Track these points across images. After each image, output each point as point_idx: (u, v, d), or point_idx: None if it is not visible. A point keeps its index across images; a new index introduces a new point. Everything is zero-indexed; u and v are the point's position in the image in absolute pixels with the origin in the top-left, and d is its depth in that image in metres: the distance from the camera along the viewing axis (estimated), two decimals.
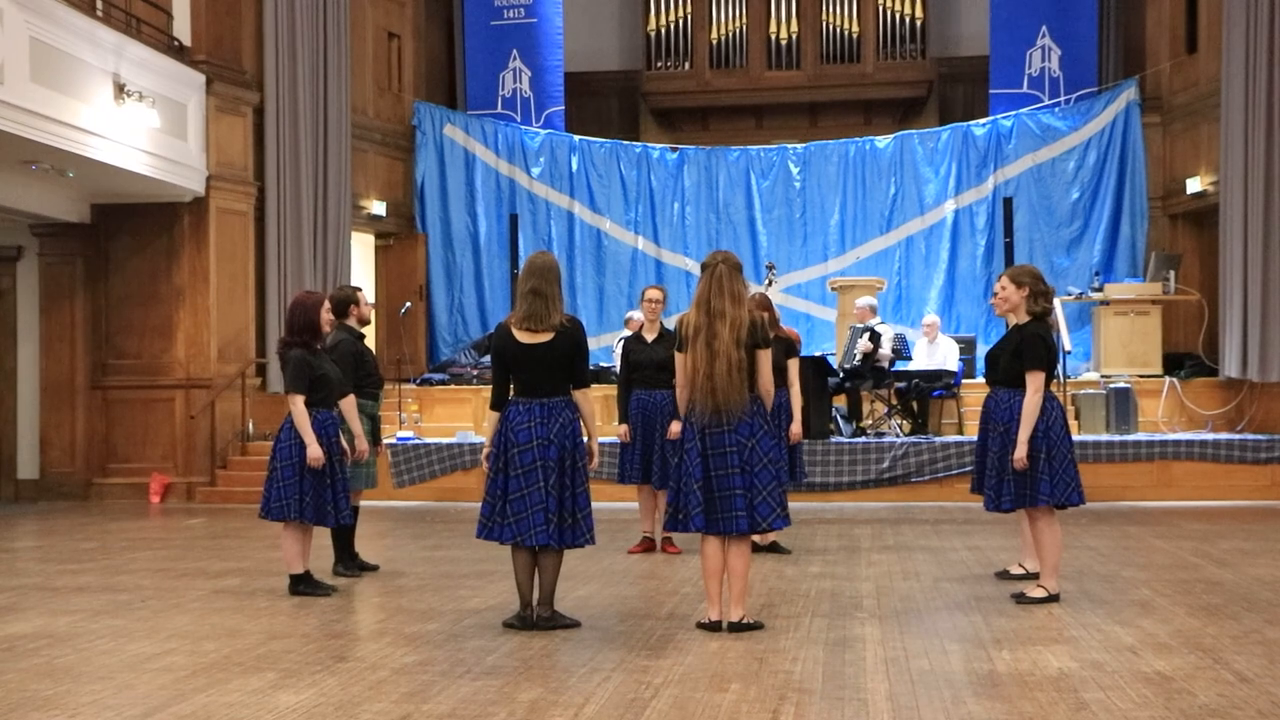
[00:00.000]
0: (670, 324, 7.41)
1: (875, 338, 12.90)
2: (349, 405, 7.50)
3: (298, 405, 7.02)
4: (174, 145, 13.37)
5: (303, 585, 7.21)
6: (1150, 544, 9.17)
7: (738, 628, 5.92)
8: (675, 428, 6.10)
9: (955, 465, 12.36)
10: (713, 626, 5.93)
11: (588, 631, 6.03)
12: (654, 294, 8.78)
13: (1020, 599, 6.64)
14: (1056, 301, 14.64)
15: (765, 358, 5.89)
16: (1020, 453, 6.50)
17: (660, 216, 17.75)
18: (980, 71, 18.00)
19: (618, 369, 9.29)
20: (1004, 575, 7.53)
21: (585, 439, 6.09)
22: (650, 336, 8.69)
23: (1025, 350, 6.63)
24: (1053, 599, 6.61)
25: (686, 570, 7.90)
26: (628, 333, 10.84)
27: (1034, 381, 6.56)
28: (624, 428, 8.57)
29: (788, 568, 8.03)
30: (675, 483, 5.98)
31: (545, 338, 5.96)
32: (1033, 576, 7.16)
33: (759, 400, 5.89)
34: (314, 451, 6.96)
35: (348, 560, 8.05)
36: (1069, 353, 14.22)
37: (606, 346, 16.54)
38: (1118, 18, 17.71)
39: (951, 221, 16.97)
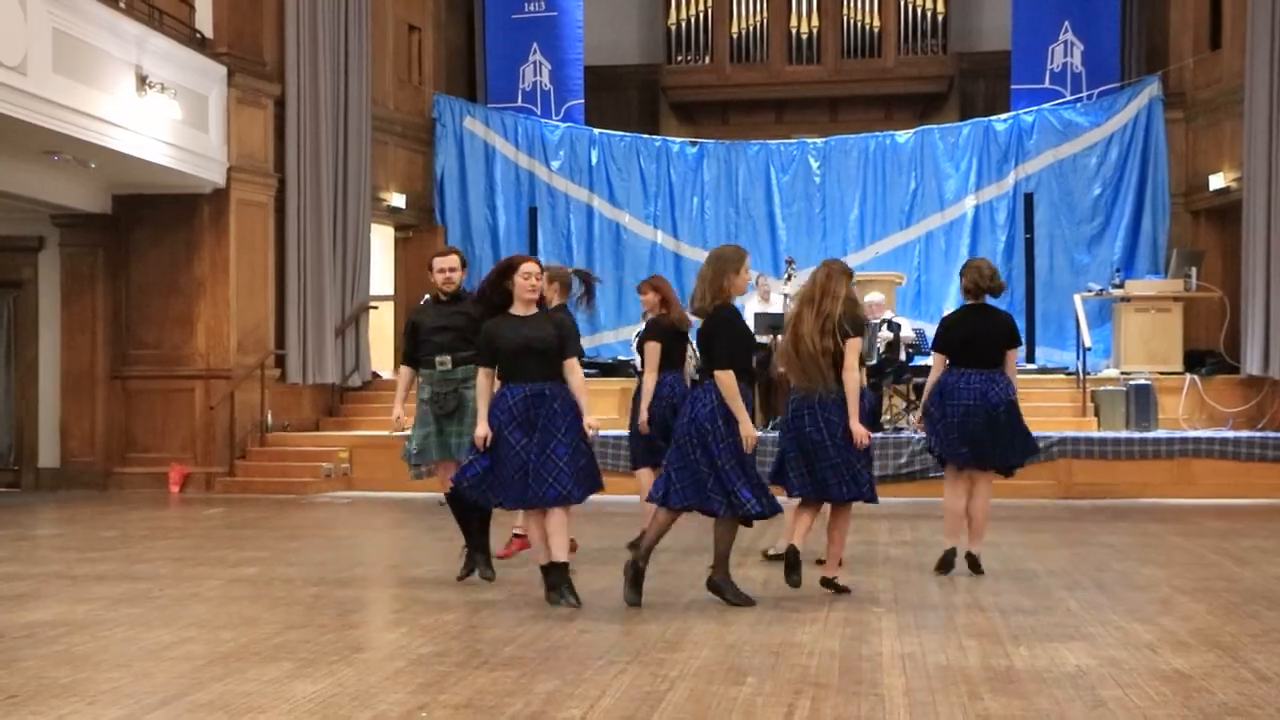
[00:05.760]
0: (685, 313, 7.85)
1: (895, 327, 12.83)
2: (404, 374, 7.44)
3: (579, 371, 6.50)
4: (195, 137, 13.42)
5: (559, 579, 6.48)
6: (1170, 541, 9.13)
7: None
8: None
9: None
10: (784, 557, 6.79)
11: (604, 624, 6.03)
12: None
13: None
14: (1076, 298, 14.72)
15: (851, 347, 6.61)
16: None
17: (679, 211, 17.72)
18: (1002, 67, 17.92)
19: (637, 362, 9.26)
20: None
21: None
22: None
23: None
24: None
25: (702, 564, 7.86)
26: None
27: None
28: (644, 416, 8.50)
29: (804, 562, 7.99)
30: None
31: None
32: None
33: (840, 386, 6.60)
34: (482, 430, 6.37)
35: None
36: (1089, 349, 14.16)
37: (625, 340, 16.52)
38: (1141, 13, 17.60)
39: (972, 217, 16.90)
